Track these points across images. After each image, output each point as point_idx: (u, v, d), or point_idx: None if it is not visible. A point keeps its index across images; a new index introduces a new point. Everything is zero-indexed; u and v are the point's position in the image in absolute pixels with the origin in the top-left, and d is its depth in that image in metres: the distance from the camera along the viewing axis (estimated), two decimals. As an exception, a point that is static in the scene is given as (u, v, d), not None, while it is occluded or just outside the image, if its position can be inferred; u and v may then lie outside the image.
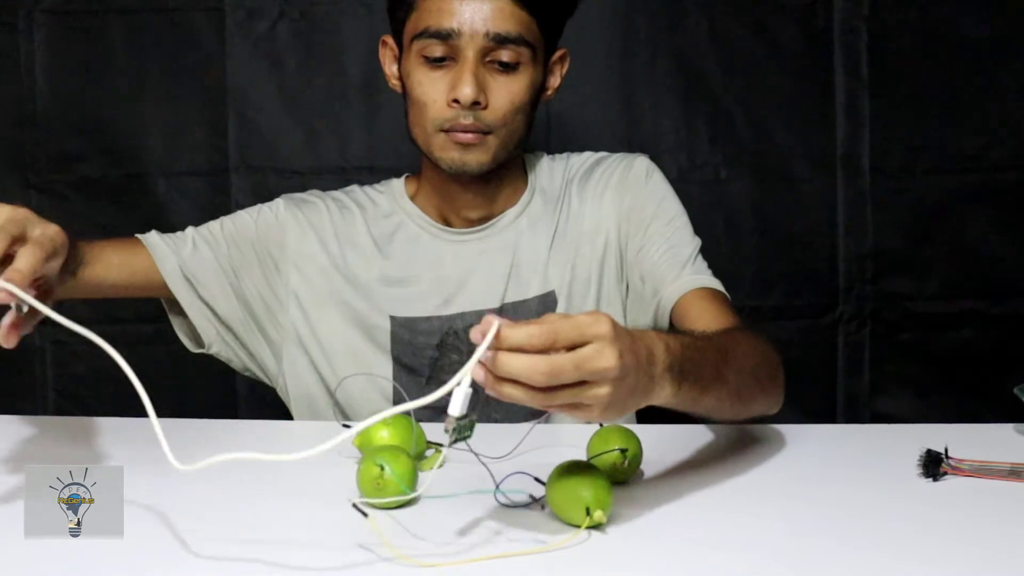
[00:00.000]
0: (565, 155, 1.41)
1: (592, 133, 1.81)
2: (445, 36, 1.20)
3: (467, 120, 1.22)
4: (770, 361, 1.11)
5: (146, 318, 1.83)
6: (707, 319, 1.21)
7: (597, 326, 0.79)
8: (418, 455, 1.04)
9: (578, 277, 1.32)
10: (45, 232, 0.93)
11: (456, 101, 1.20)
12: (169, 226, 1.82)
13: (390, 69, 1.33)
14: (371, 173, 1.76)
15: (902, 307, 1.85)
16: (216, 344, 1.34)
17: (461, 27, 1.19)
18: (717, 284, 1.28)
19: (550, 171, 1.38)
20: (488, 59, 1.22)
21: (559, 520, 0.86)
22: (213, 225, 1.35)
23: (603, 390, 0.79)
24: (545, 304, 1.31)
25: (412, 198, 1.36)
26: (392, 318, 1.31)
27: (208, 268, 1.31)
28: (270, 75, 1.82)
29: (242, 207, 1.83)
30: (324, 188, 1.43)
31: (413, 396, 0.88)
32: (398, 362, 1.30)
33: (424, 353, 1.30)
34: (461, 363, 1.17)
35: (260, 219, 1.35)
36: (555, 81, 1.33)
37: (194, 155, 1.83)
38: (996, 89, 1.82)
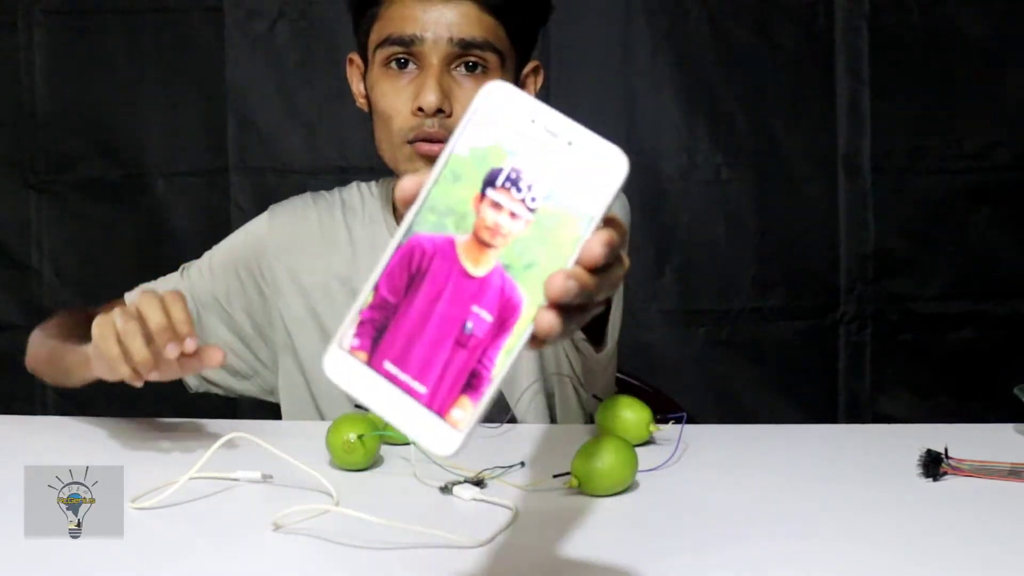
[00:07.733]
0: None
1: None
2: (408, 42, 1.16)
3: (432, 128, 1.16)
4: None
5: (146, 318, 1.84)
6: None
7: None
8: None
9: None
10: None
11: (420, 109, 1.15)
12: (169, 225, 1.84)
13: (357, 87, 1.29)
14: (371, 173, 1.74)
15: (903, 308, 1.85)
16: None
17: (424, 33, 1.15)
18: None
19: None
20: (454, 66, 1.17)
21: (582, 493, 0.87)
22: (202, 261, 1.35)
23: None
24: None
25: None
26: None
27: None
28: (269, 75, 1.82)
29: (241, 207, 1.86)
30: (324, 188, 1.42)
31: None
32: None
33: None
34: None
35: (245, 241, 1.34)
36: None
37: (193, 155, 1.83)
38: (997, 89, 1.82)
